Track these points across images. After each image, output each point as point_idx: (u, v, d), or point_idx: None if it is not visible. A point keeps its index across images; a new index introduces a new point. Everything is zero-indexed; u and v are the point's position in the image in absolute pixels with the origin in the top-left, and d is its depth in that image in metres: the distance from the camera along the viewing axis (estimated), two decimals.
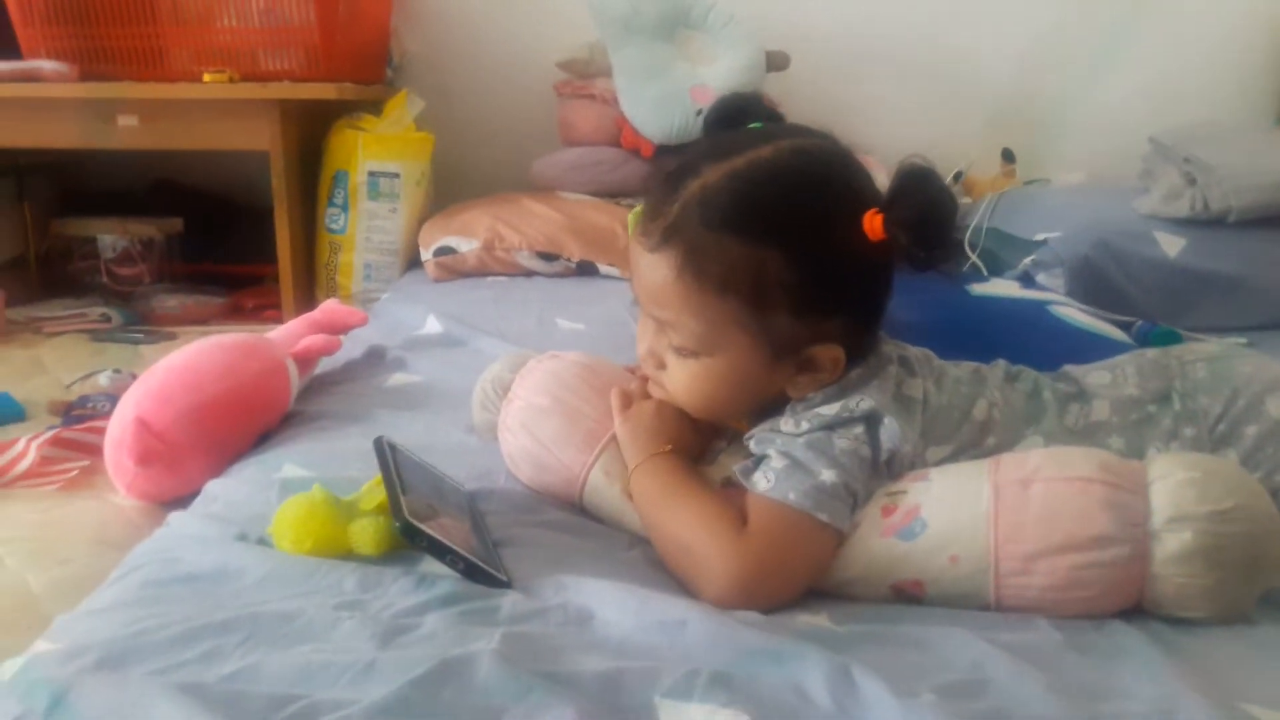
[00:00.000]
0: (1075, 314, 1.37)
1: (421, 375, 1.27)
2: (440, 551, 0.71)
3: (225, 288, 2.08)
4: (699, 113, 1.87)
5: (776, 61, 2.02)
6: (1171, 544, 0.70)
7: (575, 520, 0.86)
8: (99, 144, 1.84)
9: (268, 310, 1.98)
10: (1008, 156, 2.13)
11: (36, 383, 1.53)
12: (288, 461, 0.97)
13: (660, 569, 0.78)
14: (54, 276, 2.10)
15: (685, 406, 0.84)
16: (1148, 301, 1.56)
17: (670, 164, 0.81)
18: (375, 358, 1.36)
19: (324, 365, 1.31)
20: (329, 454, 0.99)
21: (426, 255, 1.85)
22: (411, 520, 0.70)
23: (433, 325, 1.48)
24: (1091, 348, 1.12)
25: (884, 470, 0.79)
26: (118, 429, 1.05)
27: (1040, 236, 1.64)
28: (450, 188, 2.11)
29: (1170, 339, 1.38)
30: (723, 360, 0.79)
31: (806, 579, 0.76)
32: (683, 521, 0.78)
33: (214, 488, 0.93)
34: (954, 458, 0.81)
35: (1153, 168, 1.75)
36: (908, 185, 0.75)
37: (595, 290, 1.71)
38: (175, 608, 0.66)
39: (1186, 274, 1.59)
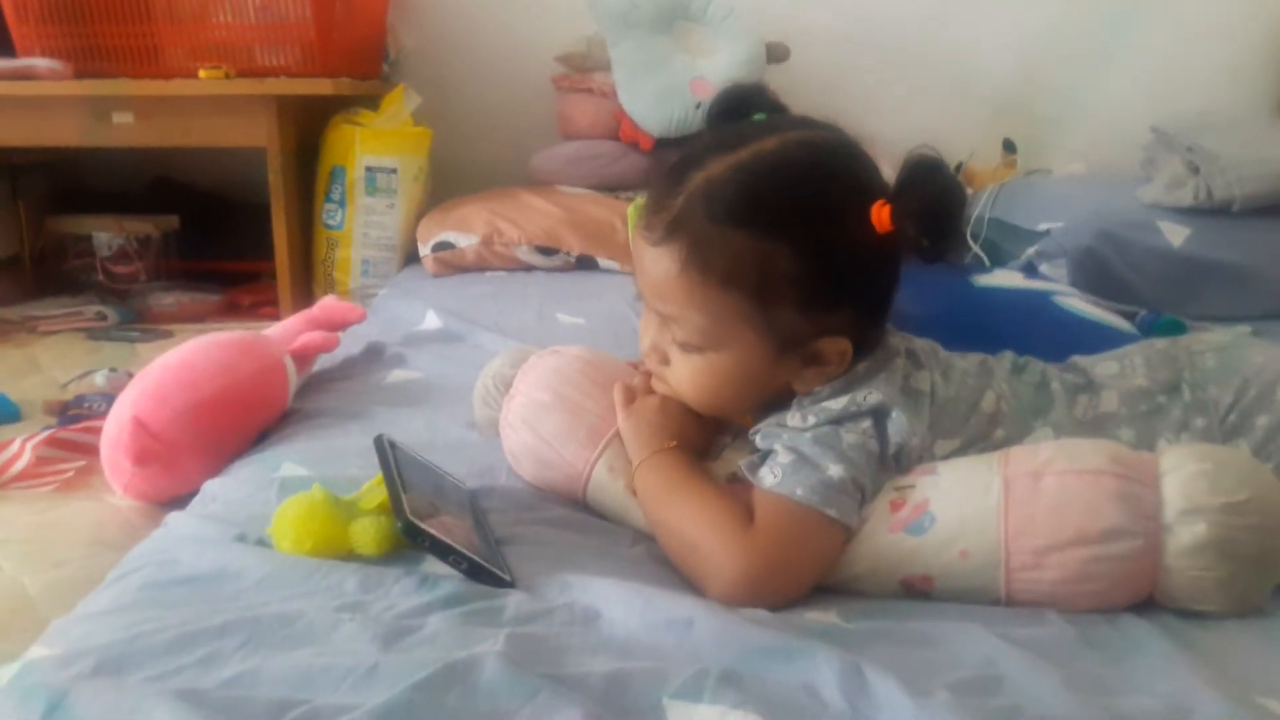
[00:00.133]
0: (1080, 304, 1.36)
1: (421, 371, 1.26)
2: (443, 551, 0.70)
3: (222, 285, 2.07)
4: (698, 106, 1.88)
5: (776, 54, 2.01)
6: (1184, 536, 0.69)
7: (578, 517, 0.85)
8: (94, 141, 1.83)
9: (265, 307, 1.97)
10: (1009, 147, 2.12)
11: (32, 382, 1.52)
12: (287, 460, 0.96)
13: (665, 566, 0.78)
14: (49, 275, 2.09)
15: (690, 402, 0.83)
16: (1151, 291, 1.56)
17: (673, 157, 0.80)
18: (374, 354, 1.35)
19: (322, 362, 1.30)
20: (328, 452, 0.98)
21: (425, 250, 1.84)
22: (413, 519, 0.70)
23: (432, 321, 1.47)
24: (1097, 338, 1.11)
25: (892, 464, 0.78)
26: (114, 428, 1.04)
27: (1043, 227, 1.63)
28: (448, 182, 2.10)
29: (1175, 328, 1.37)
30: (728, 355, 0.78)
31: (814, 575, 0.75)
32: (688, 518, 0.77)
33: (212, 488, 0.92)
34: (962, 451, 0.80)
35: (1155, 157, 1.75)
36: (916, 176, 0.74)
37: (595, 284, 1.70)
38: (173, 610, 0.65)
39: (1190, 263, 1.58)
